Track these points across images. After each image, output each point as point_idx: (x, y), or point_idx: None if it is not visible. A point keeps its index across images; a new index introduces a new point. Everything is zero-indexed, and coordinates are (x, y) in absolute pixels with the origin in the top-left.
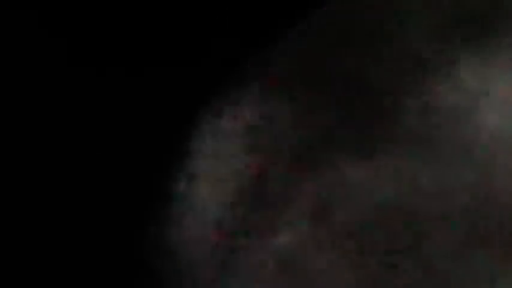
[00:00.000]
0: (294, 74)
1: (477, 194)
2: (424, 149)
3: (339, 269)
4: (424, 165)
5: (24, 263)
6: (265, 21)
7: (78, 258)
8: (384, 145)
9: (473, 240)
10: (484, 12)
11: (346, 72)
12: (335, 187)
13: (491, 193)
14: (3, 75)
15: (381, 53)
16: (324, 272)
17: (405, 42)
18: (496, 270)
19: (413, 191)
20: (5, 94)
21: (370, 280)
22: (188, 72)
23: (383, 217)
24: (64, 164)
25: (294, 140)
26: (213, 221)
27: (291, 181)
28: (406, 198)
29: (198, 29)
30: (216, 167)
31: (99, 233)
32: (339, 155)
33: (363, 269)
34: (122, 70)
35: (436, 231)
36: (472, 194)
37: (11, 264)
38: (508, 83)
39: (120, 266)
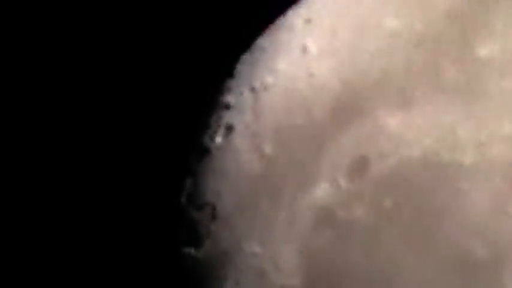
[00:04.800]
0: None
1: None
2: (463, 100)
3: (378, 223)
4: (463, 117)
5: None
6: None
7: (117, 211)
8: (423, 97)
9: (510, 194)
10: None
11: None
12: (373, 139)
13: None
14: (3, 75)
15: None
16: (362, 226)
17: None
18: None
19: (452, 144)
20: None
21: (406, 236)
22: (226, 26)
23: (421, 171)
24: (106, 117)
25: (334, 92)
26: (250, 174)
27: (330, 132)
28: (444, 151)
29: None
30: (254, 119)
31: (137, 186)
32: (378, 106)
33: (399, 224)
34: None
35: (473, 185)
36: (510, 146)
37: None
38: None
39: (159, 219)
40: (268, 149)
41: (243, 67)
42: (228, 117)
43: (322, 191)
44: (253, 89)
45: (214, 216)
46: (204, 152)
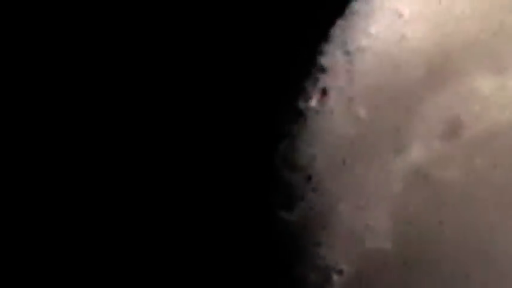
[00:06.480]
0: None
1: None
2: None
3: (470, 184)
4: None
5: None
6: None
7: (212, 173)
8: None
9: None
10: None
11: None
12: (466, 102)
13: None
14: (4, 76)
15: None
16: (455, 187)
17: None
18: None
19: None
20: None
21: (499, 197)
22: None
23: None
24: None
25: (427, 55)
26: (344, 137)
27: (423, 95)
28: None
29: None
30: (348, 82)
31: (232, 148)
32: (471, 69)
33: (492, 185)
34: None
35: None
36: None
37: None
38: None
39: (253, 180)
40: (362, 111)
41: (337, 31)
42: (322, 80)
43: (415, 153)
44: (347, 53)
45: (308, 179)
46: (299, 115)
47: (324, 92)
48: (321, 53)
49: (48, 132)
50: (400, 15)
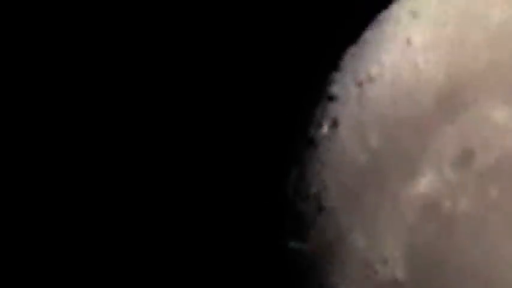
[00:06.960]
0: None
1: None
2: None
3: (483, 214)
4: None
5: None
6: None
7: (220, 202)
8: None
9: None
10: None
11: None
12: (478, 130)
13: None
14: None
15: None
16: (468, 216)
17: None
18: None
19: None
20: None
21: None
22: (331, 18)
23: None
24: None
25: (439, 83)
26: (355, 165)
27: (435, 124)
28: None
29: None
30: (359, 111)
31: (242, 177)
32: (483, 98)
33: (505, 214)
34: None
35: None
36: None
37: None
38: None
39: (263, 209)
40: (373, 140)
41: (348, 60)
42: (333, 109)
43: (427, 183)
44: (358, 81)
45: (320, 208)
46: (309, 143)
47: (335, 121)
48: (332, 81)
49: (47, 132)
50: (412, 44)
